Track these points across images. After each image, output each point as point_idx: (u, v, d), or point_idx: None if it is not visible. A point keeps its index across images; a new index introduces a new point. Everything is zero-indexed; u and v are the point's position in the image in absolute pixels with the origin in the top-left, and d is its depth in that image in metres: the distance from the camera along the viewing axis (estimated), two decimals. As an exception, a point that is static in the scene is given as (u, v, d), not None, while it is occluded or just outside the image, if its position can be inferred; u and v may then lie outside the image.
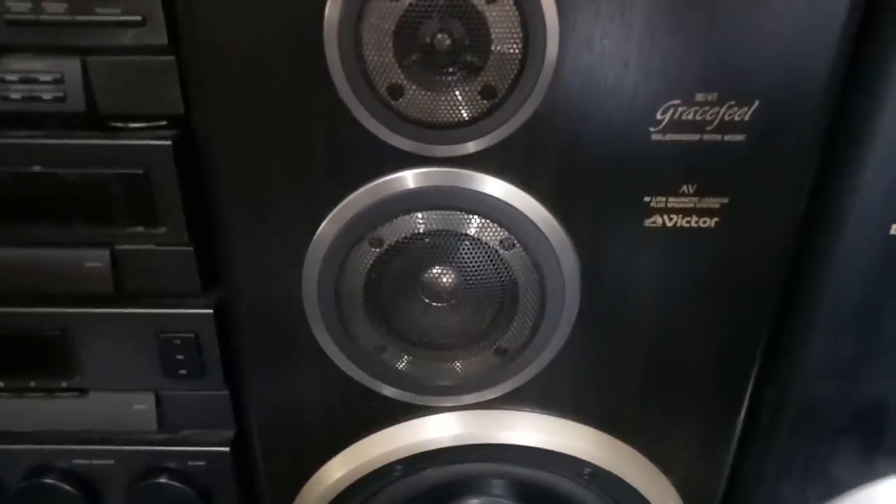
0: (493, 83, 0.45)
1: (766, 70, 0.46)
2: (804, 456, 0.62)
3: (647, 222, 0.51)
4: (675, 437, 0.62)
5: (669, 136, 0.47)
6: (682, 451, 0.63)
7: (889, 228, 0.50)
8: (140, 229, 0.52)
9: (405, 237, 0.51)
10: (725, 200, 0.50)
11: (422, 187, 0.50)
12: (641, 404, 0.61)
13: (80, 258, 0.53)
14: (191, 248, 0.54)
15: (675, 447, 0.63)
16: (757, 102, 0.46)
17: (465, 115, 0.46)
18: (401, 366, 0.58)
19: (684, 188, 0.49)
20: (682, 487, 0.65)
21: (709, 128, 0.47)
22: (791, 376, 0.58)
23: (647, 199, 0.50)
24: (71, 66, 0.47)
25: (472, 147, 0.48)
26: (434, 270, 0.54)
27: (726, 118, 0.47)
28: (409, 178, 0.50)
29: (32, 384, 0.60)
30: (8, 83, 0.47)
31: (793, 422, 0.60)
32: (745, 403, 0.61)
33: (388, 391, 0.59)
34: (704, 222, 0.51)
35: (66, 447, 0.63)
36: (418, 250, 0.52)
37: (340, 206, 0.51)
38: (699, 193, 0.50)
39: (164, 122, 0.51)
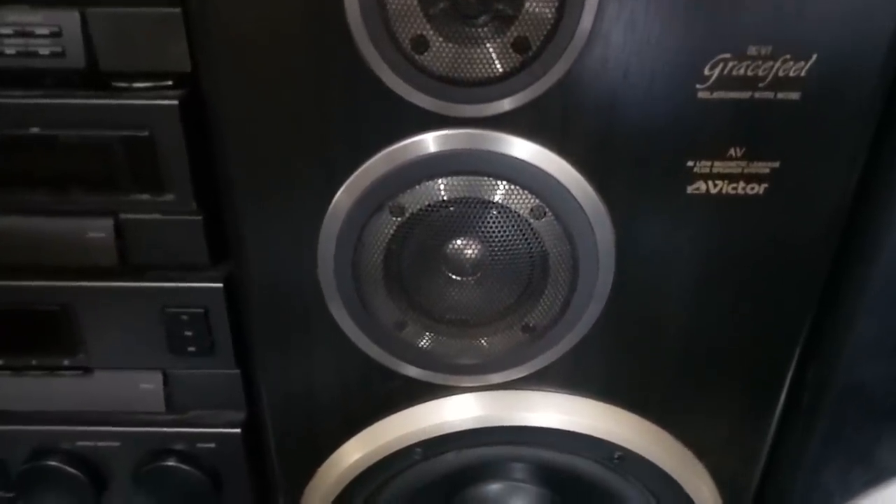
0: (526, 35, 0.42)
1: (825, 21, 0.42)
2: (848, 440, 0.59)
3: (690, 189, 0.47)
4: (711, 419, 0.60)
5: (717, 94, 0.44)
6: (717, 434, 0.60)
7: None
8: (145, 197, 0.49)
9: (428, 205, 0.48)
10: (776, 165, 0.46)
11: (445, 150, 0.47)
12: (675, 385, 0.58)
13: (81, 228, 0.50)
14: (199, 218, 0.51)
15: (709, 430, 0.60)
16: (815, 56, 0.43)
17: (495, 69, 0.43)
18: (422, 343, 0.55)
19: (731, 151, 0.46)
20: (716, 472, 0.62)
21: (761, 84, 0.43)
22: (836, 355, 0.55)
23: (690, 163, 0.46)
24: (69, 19, 0.43)
25: (502, 106, 0.44)
26: (458, 242, 0.50)
27: (780, 74, 0.43)
28: (432, 141, 0.47)
29: (34, 362, 0.57)
30: (2, 37, 0.44)
31: (836, 404, 0.57)
32: (786, 384, 0.58)
33: (409, 370, 0.56)
34: (752, 189, 0.47)
35: (71, 428, 0.60)
36: (442, 219, 0.49)
37: (358, 171, 0.48)
38: (748, 157, 0.46)
39: (169, 82, 0.47)
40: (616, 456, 0.59)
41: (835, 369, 0.56)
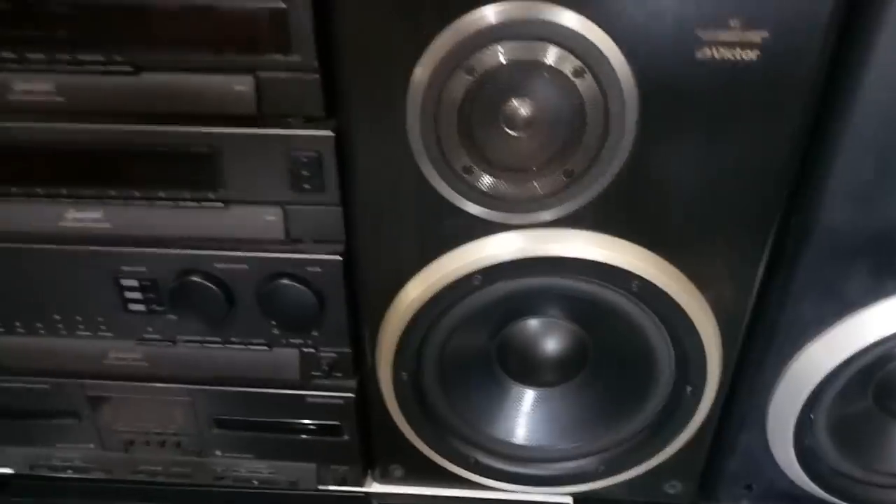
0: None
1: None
2: (822, 278, 0.72)
3: (698, 54, 0.61)
4: (713, 258, 0.73)
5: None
6: (718, 271, 0.73)
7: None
8: (278, 57, 0.64)
9: (494, 65, 0.62)
10: (766, 35, 0.59)
11: (506, 20, 0.60)
12: (684, 226, 0.71)
13: (229, 82, 0.66)
14: (317, 76, 0.66)
15: (712, 267, 0.73)
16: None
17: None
18: (483, 185, 0.70)
19: (731, 23, 0.59)
20: (715, 304, 0.75)
21: (754, -33, 0.56)
22: (815, 202, 0.68)
23: (699, 32, 0.60)
24: None
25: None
26: (515, 100, 0.65)
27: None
28: (496, 13, 0.60)
29: (186, 195, 0.74)
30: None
31: (813, 246, 0.70)
32: (774, 230, 0.71)
33: (471, 208, 0.71)
34: (747, 55, 0.60)
35: (210, 252, 0.76)
36: (502, 78, 0.63)
37: (440, 38, 0.62)
38: (743, 27, 0.59)
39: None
40: (634, 286, 0.74)
41: (812, 215, 0.69)
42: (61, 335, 0.85)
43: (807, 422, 0.80)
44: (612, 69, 0.61)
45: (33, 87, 0.66)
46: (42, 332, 0.85)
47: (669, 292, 0.74)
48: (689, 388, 0.81)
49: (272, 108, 0.67)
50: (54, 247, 0.78)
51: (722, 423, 0.87)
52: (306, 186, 0.71)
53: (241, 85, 0.66)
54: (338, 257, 0.76)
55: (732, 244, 0.72)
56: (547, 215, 0.71)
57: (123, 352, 0.86)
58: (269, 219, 0.74)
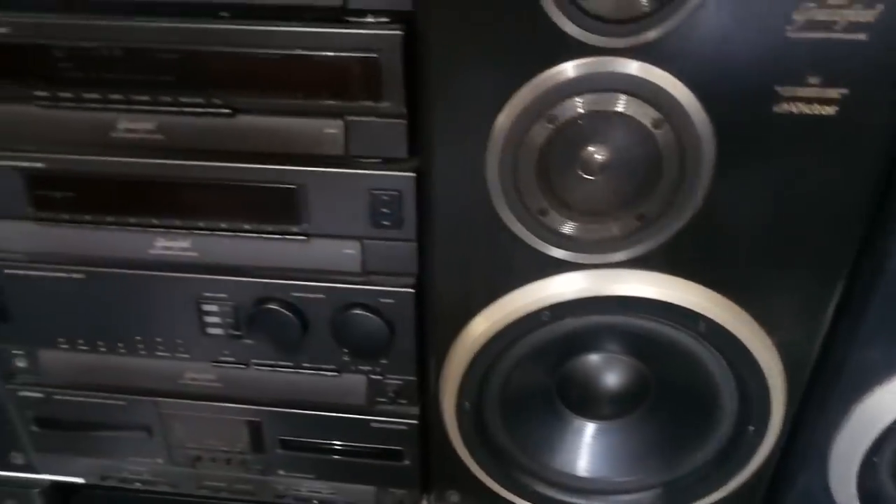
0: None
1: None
2: (892, 322, 0.72)
3: (776, 108, 0.62)
4: (782, 301, 0.74)
5: (801, 35, 0.59)
6: (785, 313, 0.74)
7: None
8: (368, 103, 0.68)
9: (574, 115, 0.65)
10: (845, 91, 0.61)
11: (590, 73, 0.63)
12: (753, 269, 0.72)
13: (319, 125, 0.70)
14: (404, 121, 0.69)
15: (780, 310, 0.74)
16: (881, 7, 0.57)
17: (641, 10, 0.59)
18: (556, 226, 0.72)
19: (810, 79, 0.60)
20: (782, 345, 0.76)
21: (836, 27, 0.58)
22: (887, 245, 0.69)
23: (777, 88, 0.61)
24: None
25: (640, 39, 0.60)
26: (591, 146, 0.67)
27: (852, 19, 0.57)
28: (583, 66, 0.63)
29: (270, 227, 0.77)
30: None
31: (885, 289, 0.70)
32: (846, 273, 0.72)
33: (544, 247, 0.73)
34: (825, 110, 0.62)
35: (288, 282, 0.80)
36: (583, 127, 0.66)
37: (523, 89, 0.64)
38: (822, 84, 0.60)
39: (386, 19, 0.66)
40: (701, 326, 0.75)
41: (885, 259, 0.69)
42: (140, 355, 0.89)
43: (870, 465, 0.80)
44: (692, 121, 0.63)
45: (136, 125, 0.71)
46: (122, 351, 0.89)
47: (736, 333, 0.75)
48: (751, 428, 0.81)
49: (358, 150, 0.71)
50: (142, 273, 0.82)
51: (782, 462, 0.87)
52: (385, 223, 0.74)
53: (331, 128, 0.69)
54: (410, 290, 0.79)
55: (802, 287, 0.73)
56: (618, 256, 0.73)
57: (198, 373, 0.89)
58: (347, 252, 0.77)
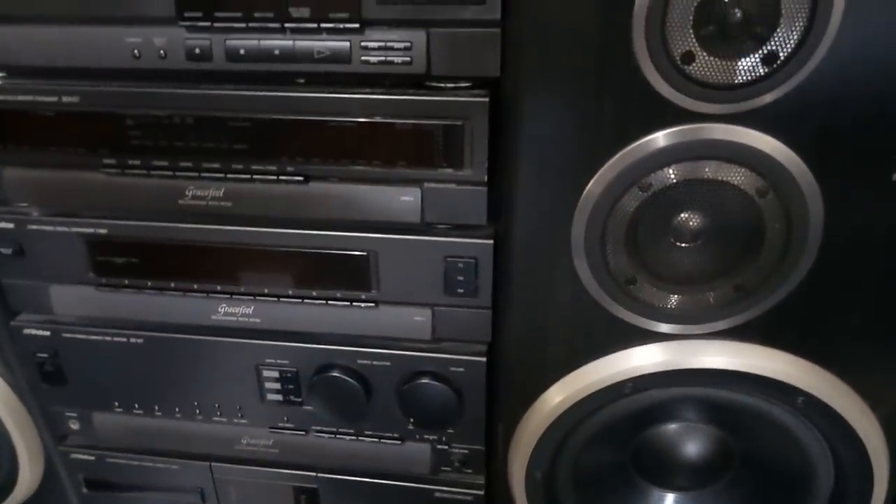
0: (776, 49, 0.53)
1: None
2: None
3: (894, 176, 0.58)
4: (886, 375, 0.69)
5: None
6: (890, 388, 0.70)
7: None
8: (449, 171, 0.64)
9: (669, 184, 0.61)
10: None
11: (686, 140, 0.59)
12: (858, 343, 0.68)
13: (396, 193, 0.66)
14: (485, 189, 0.65)
15: (883, 385, 0.70)
16: None
17: (748, 77, 0.55)
18: (643, 296, 0.67)
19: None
20: (886, 424, 0.71)
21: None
22: None
23: (897, 156, 0.57)
24: (418, 37, 0.59)
25: (749, 105, 0.56)
26: (685, 214, 0.63)
27: None
28: (676, 134, 0.59)
29: (338, 294, 0.74)
30: (369, 50, 0.60)
31: None
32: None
33: (631, 318, 0.69)
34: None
35: (354, 349, 0.76)
36: (679, 194, 0.61)
37: (617, 156, 0.61)
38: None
39: (469, 84, 0.62)
40: (800, 401, 0.70)
41: None
42: (196, 419, 0.85)
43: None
44: (801, 191, 0.59)
45: (204, 192, 0.68)
46: (178, 415, 0.85)
47: (838, 409, 0.70)
48: (849, 506, 0.76)
49: (434, 217, 0.67)
50: (202, 338, 0.78)
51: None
52: (460, 290, 0.71)
53: (408, 196, 0.66)
54: (482, 358, 0.75)
55: (909, 362, 0.68)
56: (709, 327, 0.68)
57: (255, 438, 0.86)
58: (417, 319, 0.74)
